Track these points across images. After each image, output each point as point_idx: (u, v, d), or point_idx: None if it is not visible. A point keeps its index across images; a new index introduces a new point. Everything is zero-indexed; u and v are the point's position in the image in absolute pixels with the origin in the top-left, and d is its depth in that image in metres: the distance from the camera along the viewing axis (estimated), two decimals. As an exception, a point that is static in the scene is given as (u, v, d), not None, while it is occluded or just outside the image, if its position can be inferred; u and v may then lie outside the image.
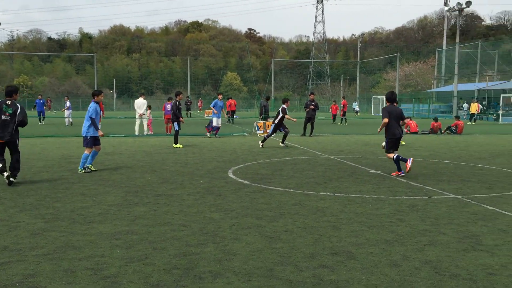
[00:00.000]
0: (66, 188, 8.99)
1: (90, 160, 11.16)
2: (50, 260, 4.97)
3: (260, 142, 17.34)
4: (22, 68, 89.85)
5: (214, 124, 21.59)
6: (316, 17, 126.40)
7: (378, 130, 11.18)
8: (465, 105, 47.04)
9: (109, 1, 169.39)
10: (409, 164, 10.45)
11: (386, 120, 10.63)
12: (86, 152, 11.04)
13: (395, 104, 11.01)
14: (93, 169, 11.16)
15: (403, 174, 10.68)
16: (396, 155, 10.73)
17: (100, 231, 6.09)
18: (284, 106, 17.88)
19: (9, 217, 6.75)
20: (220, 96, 22.28)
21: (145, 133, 22.34)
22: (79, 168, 11.02)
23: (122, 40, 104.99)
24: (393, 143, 10.86)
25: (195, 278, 4.53)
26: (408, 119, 23.09)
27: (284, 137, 17.49)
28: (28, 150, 15.50)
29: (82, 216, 6.88)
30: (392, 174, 10.91)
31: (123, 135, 21.88)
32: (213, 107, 21.59)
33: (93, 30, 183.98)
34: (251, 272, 4.69)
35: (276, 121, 17.38)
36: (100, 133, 11.13)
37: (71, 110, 30.29)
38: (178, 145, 16.79)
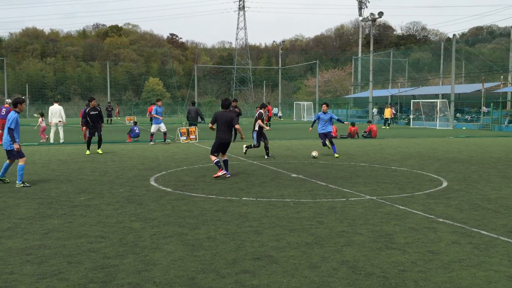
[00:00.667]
0: (-29, 202, 8.34)
1: (3, 171, 10.41)
2: (-49, 281, 4.58)
3: (244, 147, 16.32)
4: None
5: (153, 130, 21.42)
6: (238, 24, 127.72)
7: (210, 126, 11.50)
8: (375, 110, 49.69)
9: (21, 2, 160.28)
10: (219, 174, 11.05)
11: (210, 125, 11.40)
12: (21, 163, 10.11)
13: (227, 110, 11.52)
14: (6, 181, 10.41)
15: (228, 174, 11.34)
16: (216, 160, 11.25)
17: (9, 247, 5.70)
18: (261, 111, 16.39)
19: None
20: (160, 102, 22.21)
21: (61, 141, 21.31)
22: (17, 182, 10.04)
23: (35, 43, 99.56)
24: (218, 147, 11.42)
25: (113, 291, 4.37)
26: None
27: (266, 148, 15.70)
28: None
29: (-11, 231, 6.41)
30: (214, 175, 11.19)
31: (36, 144, 20.72)
32: (155, 113, 21.50)
33: (2, 32, 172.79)
34: (172, 281, 4.60)
35: (256, 129, 15.71)
36: (16, 146, 10.02)
37: None
38: (87, 152, 16.70)
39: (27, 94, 73.48)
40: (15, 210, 7.74)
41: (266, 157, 15.57)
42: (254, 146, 15.86)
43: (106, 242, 5.94)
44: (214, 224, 6.87)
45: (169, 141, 22.03)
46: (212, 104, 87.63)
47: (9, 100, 21.58)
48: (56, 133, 21.56)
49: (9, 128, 9.95)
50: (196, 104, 30.42)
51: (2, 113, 19.71)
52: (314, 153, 15.60)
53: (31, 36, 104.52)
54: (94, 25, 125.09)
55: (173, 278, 4.70)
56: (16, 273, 4.81)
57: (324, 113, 16.19)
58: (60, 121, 21.38)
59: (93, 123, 16.61)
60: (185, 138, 22.54)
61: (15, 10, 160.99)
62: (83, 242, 5.91)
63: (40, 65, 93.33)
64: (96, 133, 16.66)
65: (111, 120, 43.42)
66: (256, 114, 16.34)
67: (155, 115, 21.50)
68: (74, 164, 13.94)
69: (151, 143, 21.06)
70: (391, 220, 7.16)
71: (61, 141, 21.30)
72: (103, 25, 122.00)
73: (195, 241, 6.00)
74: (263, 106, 16.91)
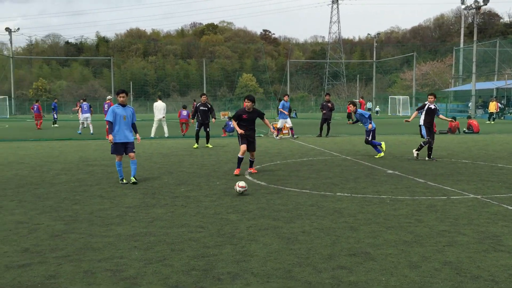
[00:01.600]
0: (85, 191, 9.09)
1: (120, 173, 10.14)
2: (70, 262, 5.03)
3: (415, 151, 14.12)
4: (41, 72, 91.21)
5: (280, 125, 21.72)
6: (331, 17, 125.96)
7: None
8: (471, 104, 46.36)
9: (125, 4, 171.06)
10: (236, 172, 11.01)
11: (233, 122, 11.34)
12: (133, 158, 10.13)
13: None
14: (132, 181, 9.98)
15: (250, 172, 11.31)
16: (241, 156, 11.15)
17: (118, 233, 6.14)
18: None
19: (29, 220, 6.85)
20: (287, 97, 22.30)
21: (166, 135, 22.52)
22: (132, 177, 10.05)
23: (138, 43, 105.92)
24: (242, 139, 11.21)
25: (214, 279, 4.55)
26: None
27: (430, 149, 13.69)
28: (47, 153, 15.73)
29: (101, 218, 6.95)
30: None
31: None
32: (281, 108, 21.75)
33: (109, 33, 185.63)
34: (269, 273, 4.68)
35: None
36: (110, 138, 9.95)
37: (89, 114, 26.90)
38: (195, 145, 17.37)
39: (131, 91, 78.37)
40: (123, 199, 8.32)
41: (426, 158, 13.54)
42: (425, 144, 13.64)
43: (205, 232, 6.18)
44: (309, 218, 6.88)
45: (296, 136, 22.00)
46: (304, 99, 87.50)
47: (110, 97, 23.22)
48: (159, 128, 22.85)
49: (106, 120, 10.24)
50: (288, 99, 30.48)
51: (105, 109, 21.40)
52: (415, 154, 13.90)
53: (135, 36, 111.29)
54: (191, 24, 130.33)
55: (270, 270, 4.78)
56: (125, 257, 5.18)
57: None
58: (163, 117, 22.66)
59: (201, 117, 17.25)
60: (277, 133, 22.73)
61: (121, 12, 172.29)
62: (184, 231, 6.21)
63: (142, 64, 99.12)
64: (203, 127, 17.29)
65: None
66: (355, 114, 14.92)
67: (282, 110, 21.63)
68: (174, 157, 14.65)
69: (277, 137, 21.33)
70: (498, 220, 6.70)
71: (166, 135, 22.51)
72: (200, 23, 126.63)
73: (290, 234, 6.05)
74: (352, 103, 15.23)
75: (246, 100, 11.07)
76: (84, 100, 28.10)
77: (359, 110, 14.80)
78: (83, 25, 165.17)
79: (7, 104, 59.00)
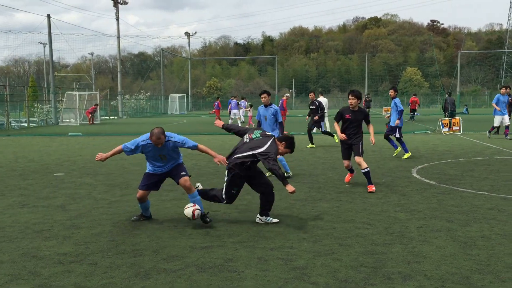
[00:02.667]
0: (255, 182, 9.62)
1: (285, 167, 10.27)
2: (245, 248, 5.38)
3: None
4: (213, 72, 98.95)
5: (496, 124, 18.49)
6: (511, 2, 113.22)
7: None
8: None
9: (290, 3, 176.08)
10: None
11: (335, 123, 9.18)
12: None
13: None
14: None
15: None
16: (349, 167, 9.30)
17: (287, 224, 6.38)
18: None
19: (209, 206, 7.50)
20: (503, 90, 18.38)
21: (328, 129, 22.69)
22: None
23: (301, 40, 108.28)
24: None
25: (384, 278, 4.45)
26: None
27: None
28: (220, 145, 17.00)
29: (270, 208, 7.29)
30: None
31: (302, 133, 22.54)
32: (495, 103, 18.27)
33: (274, 33, 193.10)
34: (444, 277, 4.42)
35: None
36: None
37: (237, 110, 30.90)
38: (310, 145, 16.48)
39: (293, 88, 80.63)
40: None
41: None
42: None
43: (372, 229, 6.08)
44: (488, 222, 6.31)
45: (509, 138, 18.35)
46: (477, 93, 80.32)
47: (287, 94, 24.07)
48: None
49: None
50: (451, 94, 28.24)
51: (232, 106, 22.42)
52: None
53: (298, 34, 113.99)
54: (353, 18, 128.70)
55: (445, 274, 4.51)
56: (295, 248, 5.36)
57: None
58: (325, 112, 22.87)
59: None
60: (447, 129, 21.25)
61: (285, 11, 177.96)
62: (351, 227, 6.19)
63: (304, 61, 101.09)
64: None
65: (368, 111, 44.18)
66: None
67: (495, 106, 18.28)
68: (337, 153, 14.65)
69: (488, 135, 18.98)
70: None
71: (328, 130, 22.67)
72: (362, 18, 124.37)
73: (466, 238, 5.62)
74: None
75: (350, 97, 8.79)
76: (235, 98, 31.89)
77: None
78: (251, 26, 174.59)
79: (185, 101, 65.37)
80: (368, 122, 9.20)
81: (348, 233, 5.93)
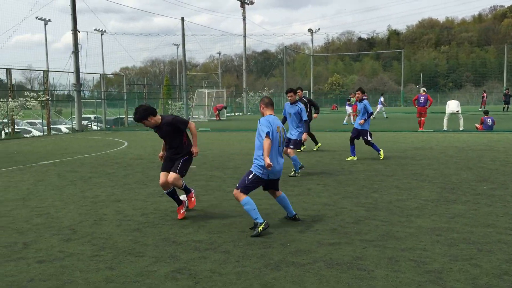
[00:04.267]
0: (381, 180, 9.35)
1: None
2: (374, 247, 5.25)
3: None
4: (335, 68, 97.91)
5: None
6: None
7: None
8: None
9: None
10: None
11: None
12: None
13: None
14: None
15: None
16: None
17: (419, 225, 6.10)
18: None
19: (334, 203, 7.46)
20: None
21: (461, 128, 21.24)
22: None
23: (430, 33, 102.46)
24: None
25: (532, 289, 4.05)
26: None
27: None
28: (343, 142, 16.76)
29: (399, 208, 7.03)
30: None
31: (431, 130, 21.36)
32: None
33: (400, 26, 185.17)
34: None
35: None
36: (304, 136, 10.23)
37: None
38: (316, 147, 14.99)
39: (421, 83, 76.64)
40: (420, 191, 8.21)
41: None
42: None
43: (517, 235, 5.56)
44: None
45: None
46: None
47: (424, 88, 22.99)
48: (450, 120, 21.73)
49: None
50: None
51: (420, 101, 21.17)
52: None
53: (427, 26, 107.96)
54: (490, 7, 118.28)
55: None
56: (428, 250, 5.10)
57: None
58: (458, 111, 21.45)
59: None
60: None
61: (413, 3, 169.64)
62: (492, 232, 5.72)
63: (433, 54, 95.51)
64: None
65: (507, 107, 40.34)
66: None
67: None
68: (472, 152, 13.64)
69: None
70: None
71: (461, 128, 21.24)
72: (501, 6, 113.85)
73: None
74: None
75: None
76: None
77: None
78: (375, 20, 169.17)
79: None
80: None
81: (488, 238, 5.49)
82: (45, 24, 59.46)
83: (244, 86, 55.07)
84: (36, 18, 56.42)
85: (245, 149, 15.50)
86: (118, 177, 10.49)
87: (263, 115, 6.22)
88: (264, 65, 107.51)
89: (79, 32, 28.59)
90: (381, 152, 12.33)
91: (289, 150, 10.06)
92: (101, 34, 63.62)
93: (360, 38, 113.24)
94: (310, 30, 72.77)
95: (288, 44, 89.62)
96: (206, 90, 41.44)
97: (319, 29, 78.05)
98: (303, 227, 6.10)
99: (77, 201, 7.98)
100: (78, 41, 28.54)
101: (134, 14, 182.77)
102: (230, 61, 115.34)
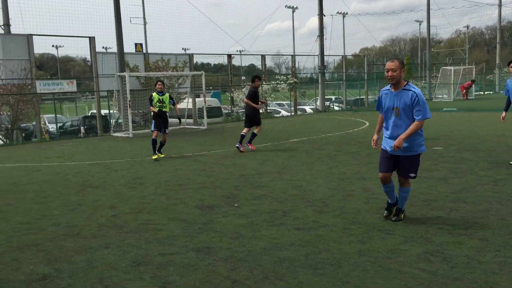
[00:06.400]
0: None
1: None
2: None
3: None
4: None
5: None
6: None
7: None
8: None
9: None
10: None
11: None
12: None
13: None
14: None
15: None
16: None
17: None
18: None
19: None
20: None
21: None
22: None
23: None
24: None
25: None
26: None
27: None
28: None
29: None
30: None
31: None
32: None
33: None
34: None
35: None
36: None
37: None
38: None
39: None
40: None
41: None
42: None
43: None
44: None
45: None
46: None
47: None
48: None
49: None
50: None
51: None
52: None
53: None
54: None
55: None
56: None
57: None
58: None
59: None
60: None
61: None
62: None
63: None
64: None
65: None
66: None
67: None
68: None
69: None
70: None
71: None
72: None
73: None
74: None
75: None
76: None
77: None
78: None
79: None
80: None
81: None
82: (293, 12, 63.66)
83: (497, 62, 49.34)
84: (286, 6, 60.93)
85: (500, 130, 13.98)
86: (361, 155, 10.70)
87: None
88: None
89: (324, 16, 29.84)
90: None
91: None
92: (343, 17, 65.08)
93: None
94: None
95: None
96: (452, 67, 38.60)
97: None
98: None
99: (325, 177, 8.46)
100: (324, 25, 29.85)
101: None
102: (479, 34, 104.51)
